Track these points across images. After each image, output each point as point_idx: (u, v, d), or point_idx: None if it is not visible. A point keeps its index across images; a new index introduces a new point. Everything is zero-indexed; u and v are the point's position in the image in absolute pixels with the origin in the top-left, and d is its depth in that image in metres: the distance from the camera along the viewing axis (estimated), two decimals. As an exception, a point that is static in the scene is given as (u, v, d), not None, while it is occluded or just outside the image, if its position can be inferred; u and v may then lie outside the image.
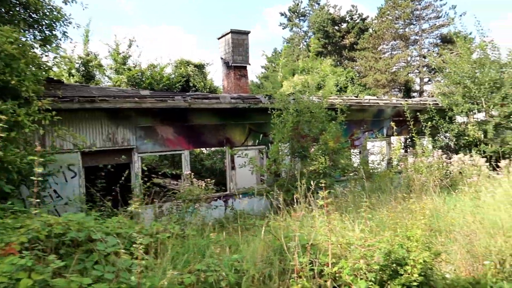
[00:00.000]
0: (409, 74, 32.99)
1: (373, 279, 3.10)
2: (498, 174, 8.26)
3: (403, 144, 13.44)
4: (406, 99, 14.34)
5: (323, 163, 8.94)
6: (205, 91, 20.79)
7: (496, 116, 12.58)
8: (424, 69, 32.62)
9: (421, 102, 13.55)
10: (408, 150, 13.27)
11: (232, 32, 13.72)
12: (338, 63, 40.10)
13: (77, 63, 18.93)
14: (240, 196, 10.24)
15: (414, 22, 33.65)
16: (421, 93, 32.38)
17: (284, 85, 26.00)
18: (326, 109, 9.81)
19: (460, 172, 9.32)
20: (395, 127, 12.39)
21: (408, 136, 13.52)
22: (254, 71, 59.14)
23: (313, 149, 9.54)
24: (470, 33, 22.32)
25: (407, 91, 32.77)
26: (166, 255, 3.84)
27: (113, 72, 19.66)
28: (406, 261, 3.37)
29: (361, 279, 3.17)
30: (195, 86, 21.01)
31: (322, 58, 32.34)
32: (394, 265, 3.50)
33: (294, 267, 3.13)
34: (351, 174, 11.33)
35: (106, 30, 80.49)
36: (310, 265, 3.28)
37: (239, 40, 13.86)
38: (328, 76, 24.69)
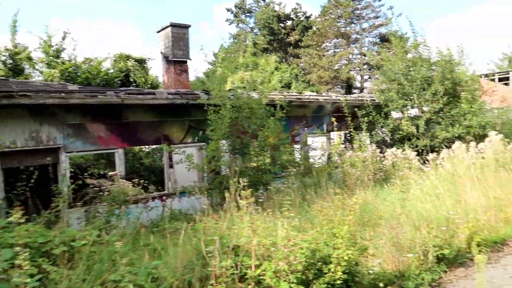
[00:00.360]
0: (350, 72, 34.15)
1: (295, 280, 3.01)
2: (427, 167, 8.66)
3: (343, 139, 13.78)
4: (345, 95, 14.75)
5: (262, 159, 8.88)
6: (146, 87, 20.02)
7: (427, 112, 13.28)
8: (365, 66, 33.92)
9: (359, 98, 13.99)
10: (347, 145, 13.62)
11: (172, 25, 13.24)
12: (283, 59, 40.54)
13: (4, 55, 17.41)
14: (180, 195, 9.92)
15: (355, 21, 34.87)
16: (361, 89, 33.67)
17: (229, 81, 25.83)
18: (266, 105, 9.74)
19: (393, 166, 9.69)
20: (335, 123, 12.68)
21: (347, 132, 13.87)
22: (201, 68, 58.14)
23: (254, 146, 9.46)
24: (406, 33, 23.32)
25: (349, 87, 33.92)
26: (80, 265, 3.51)
27: (45, 66, 18.29)
28: (330, 259, 3.32)
29: (284, 281, 3.06)
30: (136, 82, 20.16)
31: (267, 54, 32.50)
32: (320, 263, 3.45)
33: (213, 273, 2.95)
34: (294, 170, 11.43)
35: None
36: (232, 269, 3.12)
37: (179, 34, 13.41)
38: (267, 71, 24.84)
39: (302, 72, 37.18)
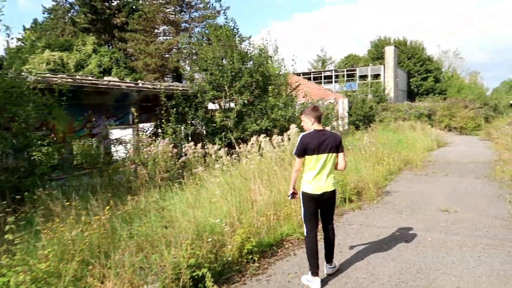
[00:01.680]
0: (180, 61, 33.17)
1: None
2: (223, 162, 8.13)
3: (151, 131, 12.57)
4: (155, 83, 13.56)
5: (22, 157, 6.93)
6: None
7: (239, 104, 13.17)
8: (195, 57, 33.36)
9: (171, 87, 12.96)
10: (158, 138, 12.48)
11: None
12: (109, 43, 36.92)
13: None
14: None
15: (185, 10, 33.96)
16: (191, 80, 33.04)
17: (36, 61, 21.78)
18: (39, 90, 7.72)
19: (197, 161, 8.94)
20: (137, 114, 11.30)
21: (157, 123, 12.71)
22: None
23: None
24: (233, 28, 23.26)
25: (178, 77, 32.93)
26: None
27: None
28: None
29: None
30: None
31: (86, 34, 28.76)
32: None
33: None
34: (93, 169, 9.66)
35: None
36: None
37: None
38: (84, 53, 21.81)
39: (130, 58, 34.46)
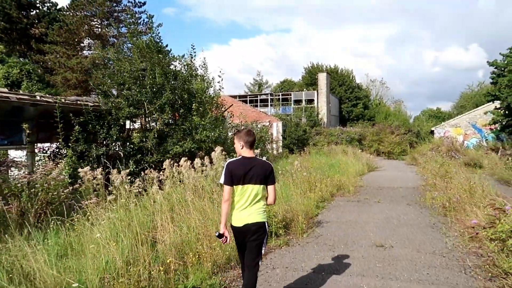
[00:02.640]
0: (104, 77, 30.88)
1: None
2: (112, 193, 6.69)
3: (51, 153, 10.70)
4: (57, 97, 11.72)
5: None
6: None
7: (160, 123, 11.79)
8: (125, 73, 31.31)
9: (78, 101, 11.23)
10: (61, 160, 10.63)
11: None
12: (25, 54, 33.51)
13: None
14: None
15: (113, 24, 31.91)
16: (105, 94, 30.84)
17: None
18: None
19: (95, 190, 7.37)
20: (32, 131, 9.50)
21: (59, 143, 10.86)
22: None
23: None
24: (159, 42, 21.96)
25: (104, 94, 30.54)
26: None
27: None
28: None
29: None
30: None
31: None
32: None
33: None
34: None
35: None
36: None
37: None
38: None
39: (50, 72, 31.38)
